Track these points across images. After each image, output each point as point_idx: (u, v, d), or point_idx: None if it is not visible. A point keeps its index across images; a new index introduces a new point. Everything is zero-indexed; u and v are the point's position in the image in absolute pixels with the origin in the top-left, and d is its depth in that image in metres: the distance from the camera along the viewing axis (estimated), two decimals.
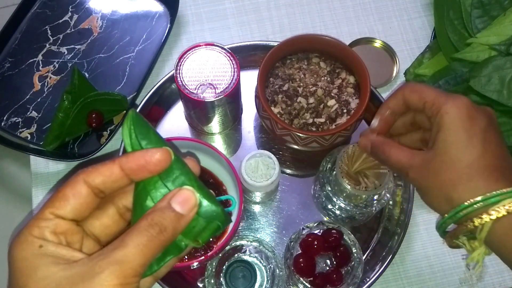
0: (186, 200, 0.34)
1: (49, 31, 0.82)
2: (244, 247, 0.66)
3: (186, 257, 0.62)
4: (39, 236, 0.33)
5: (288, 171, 0.75)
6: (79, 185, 0.34)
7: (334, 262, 0.65)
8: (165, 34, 0.80)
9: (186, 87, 0.64)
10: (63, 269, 0.31)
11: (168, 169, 0.35)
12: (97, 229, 0.37)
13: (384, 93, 0.79)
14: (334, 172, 0.64)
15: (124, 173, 0.34)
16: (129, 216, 0.38)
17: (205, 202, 0.35)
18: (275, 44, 0.69)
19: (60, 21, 0.82)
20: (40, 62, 0.80)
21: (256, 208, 0.73)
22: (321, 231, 0.65)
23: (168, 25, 0.81)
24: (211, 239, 0.64)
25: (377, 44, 0.82)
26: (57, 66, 0.79)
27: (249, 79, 0.73)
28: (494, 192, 0.42)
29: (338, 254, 0.64)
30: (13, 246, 0.33)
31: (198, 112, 0.70)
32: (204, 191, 0.36)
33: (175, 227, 0.34)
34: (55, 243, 0.33)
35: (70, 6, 0.83)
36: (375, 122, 0.54)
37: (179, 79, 0.65)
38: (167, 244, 0.34)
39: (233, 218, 0.64)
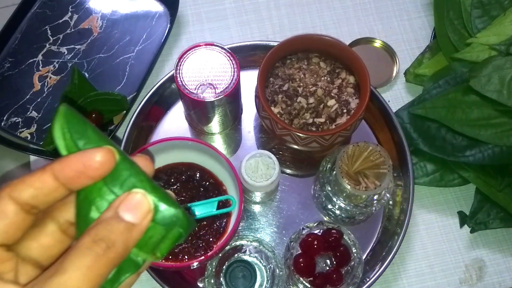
0: (137, 205, 0.29)
1: (49, 31, 0.82)
2: (244, 247, 0.66)
3: (186, 257, 0.62)
4: None
5: (288, 171, 0.75)
6: (4, 203, 0.28)
7: (334, 262, 0.65)
8: (165, 34, 0.80)
9: (186, 87, 0.64)
10: None
11: (114, 172, 0.29)
12: (35, 252, 0.30)
13: (384, 93, 0.79)
14: (334, 172, 0.64)
15: (60, 183, 0.28)
16: (73, 231, 0.32)
17: (162, 206, 0.30)
18: (275, 44, 0.69)
19: (60, 21, 0.82)
20: (40, 62, 0.80)
21: (256, 208, 0.73)
22: (321, 231, 0.65)
23: (168, 25, 0.81)
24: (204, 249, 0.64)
25: (377, 44, 0.82)
26: (57, 66, 0.79)
27: (249, 79, 0.73)
28: None
29: (338, 254, 0.64)
30: None
31: (198, 112, 0.70)
32: (159, 192, 0.30)
33: (126, 241, 0.28)
34: None
35: (70, 6, 0.83)
36: None
37: (179, 79, 0.65)
38: (118, 262, 0.28)
39: (233, 218, 0.64)
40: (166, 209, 0.30)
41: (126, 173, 0.30)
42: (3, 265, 0.28)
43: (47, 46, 0.81)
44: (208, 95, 0.64)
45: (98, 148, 0.29)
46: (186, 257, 0.62)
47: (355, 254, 0.64)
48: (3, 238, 0.28)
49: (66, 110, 0.30)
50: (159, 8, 0.83)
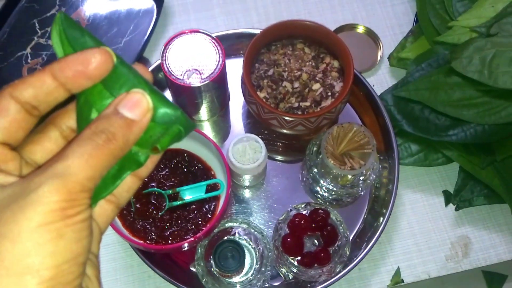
0: (136, 103, 0.29)
1: (37, 25, 0.82)
2: (233, 229, 0.67)
3: (175, 239, 0.63)
4: None
5: (277, 157, 0.76)
6: (5, 101, 0.29)
7: (322, 242, 0.65)
8: (152, 25, 0.80)
9: (172, 73, 0.65)
10: None
11: (112, 75, 0.30)
12: (38, 156, 0.31)
13: (369, 78, 0.80)
14: (321, 155, 0.65)
15: (59, 83, 0.29)
16: (70, 137, 0.33)
17: (161, 108, 0.30)
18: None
19: (48, 14, 0.83)
20: (29, 55, 0.80)
21: (246, 193, 0.74)
22: (308, 211, 0.66)
23: (155, 16, 0.81)
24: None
25: (361, 30, 0.83)
26: (45, 58, 0.80)
27: (236, 67, 0.73)
28: None
29: (325, 233, 0.65)
30: None
31: (185, 99, 0.70)
32: (158, 95, 0.30)
33: (125, 135, 0.29)
34: None
35: (58, 0, 0.83)
36: None
37: (165, 65, 0.65)
38: (118, 155, 0.29)
39: (222, 201, 0.65)
40: (165, 109, 0.30)
41: (125, 76, 0.30)
42: (8, 163, 0.29)
43: (36, 39, 0.81)
44: (194, 81, 0.65)
45: (96, 48, 0.29)
46: (175, 239, 0.63)
47: (342, 233, 0.65)
48: (6, 136, 0.29)
49: (64, 17, 0.31)
50: None
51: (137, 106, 0.29)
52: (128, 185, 0.32)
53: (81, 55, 0.29)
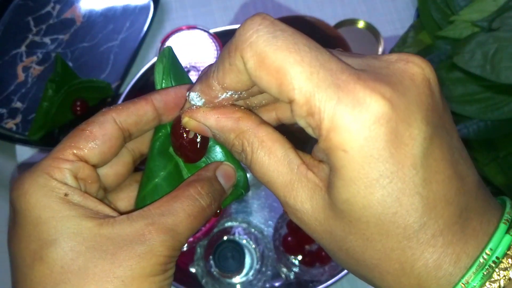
0: (230, 177, 0.31)
1: (32, 22, 0.81)
2: (233, 229, 0.66)
3: None
4: (62, 180, 0.27)
5: None
6: (110, 125, 0.29)
7: None
8: (149, 21, 0.80)
9: None
10: (98, 225, 0.26)
11: None
12: (109, 179, 0.31)
13: None
14: None
15: (157, 114, 0.30)
16: (137, 162, 0.33)
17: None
18: None
19: (43, 11, 0.82)
20: (24, 53, 0.79)
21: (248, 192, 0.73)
22: None
23: (151, 12, 0.81)
24: None
25: (361, 24, 0.82)
26: (40, 56, 0.79)
27: None
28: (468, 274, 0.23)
29: None
30: (28, 189, 0.26)
31: None
32: (233, 158, 0.32)
33: (219, 201, 0.30)
34: (80, 192, 0.27)
35: None
36: (196, 98, 0.28)
37: None
38: (208, 219, 0.29)
39: None
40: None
41: None
42: (92, 185, 0.29)
43: (30, 37, 0.81)
44: (192, 78, 0.64)
45: (196, 85, 0.29)
46: None
47: None
48: (101, 159, 0.29)
49: (172, 53, 0.33)
50: None
51: (230, 179, 0.31)
52: None
53: (180, 88, 0.30)
